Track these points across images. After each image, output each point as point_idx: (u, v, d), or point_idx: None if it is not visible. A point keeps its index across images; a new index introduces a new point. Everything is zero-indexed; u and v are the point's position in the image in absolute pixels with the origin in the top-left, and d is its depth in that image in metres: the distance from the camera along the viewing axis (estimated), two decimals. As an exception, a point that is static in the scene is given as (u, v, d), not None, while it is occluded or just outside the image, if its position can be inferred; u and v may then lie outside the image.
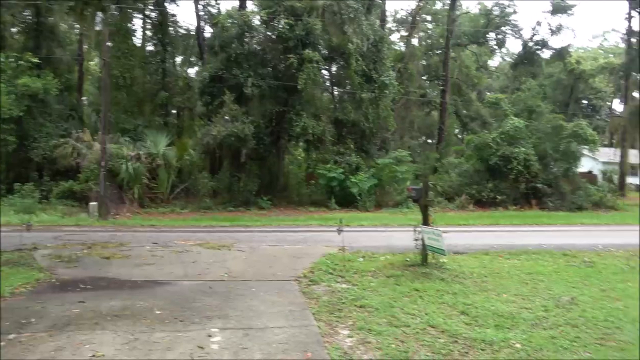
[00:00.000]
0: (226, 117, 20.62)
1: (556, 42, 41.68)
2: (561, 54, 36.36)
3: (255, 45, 22.54)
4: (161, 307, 6.06)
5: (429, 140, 38.99)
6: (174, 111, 29.56)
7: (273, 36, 22.13)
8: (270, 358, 4.53)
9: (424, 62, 36.14)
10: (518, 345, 4.88)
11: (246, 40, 21.90)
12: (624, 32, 34.06)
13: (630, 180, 33.96)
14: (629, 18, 32.52)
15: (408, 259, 8.72)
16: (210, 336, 5.06)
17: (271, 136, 22.24)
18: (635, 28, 30.74)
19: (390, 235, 12.56)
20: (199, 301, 6.38)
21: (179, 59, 33.85)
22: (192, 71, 33.77)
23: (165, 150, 20.96)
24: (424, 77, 36.61)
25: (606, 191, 24.65)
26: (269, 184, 22.16)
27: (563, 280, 7.94)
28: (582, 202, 22.17)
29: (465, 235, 13.31)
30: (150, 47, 29.40)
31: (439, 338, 5.11)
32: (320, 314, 5.88)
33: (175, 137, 23.81)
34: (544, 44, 35.88)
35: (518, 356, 4.65)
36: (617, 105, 39.49)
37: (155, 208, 19.29)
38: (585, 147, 24.35)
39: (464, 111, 35.26)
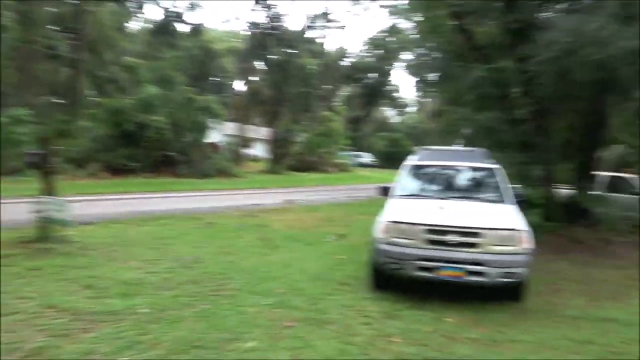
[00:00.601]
0: None
1: (194, 19, 44.21)
2: (197, 30, 38.72)
3: None
4: None
5: (59, 100, 34.68)
6: None
7: None
8: None
9: (53, 10, 31.55)
10: (144, 310, 4.99)
11: None
12: (249, 21, 39.10)
13: (248, 151, 39.88)
14: (253, 11, 37.55)
15: (25, 236, 7.59)
16: None
17: None
18: (256, 21, 35.53)
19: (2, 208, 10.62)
20: None
21: None
22: None
23: None
24: (53, 28, 32.02)
25: (228, 160, 28.19)
26: None
27: (189, 241, 8.62)
28: (209, 169, 24.63)
29: (97, 204, 12.68)
30: None
31: (59, 318, 4.67)
32: None
33: None
34: (181, 18, 37.33)
35: (144, 320, 4.75)
36: (240, 86, 45.18)
37: None
38: (213, 119, 26.99)
39: (100, 72, 32.97)
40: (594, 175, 11.99)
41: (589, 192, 11.37)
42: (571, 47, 7.98)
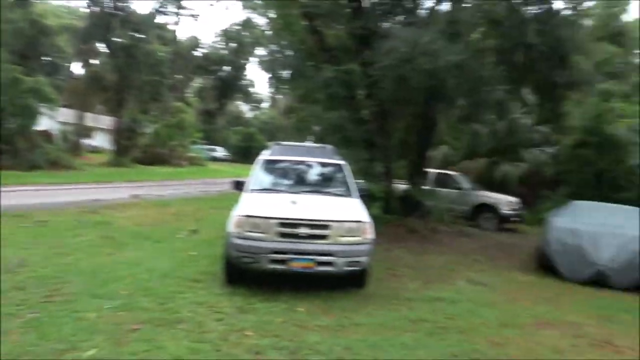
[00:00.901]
0: None
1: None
2: (23, 1, 33.80)
3: None
4: None
5: None
6: None
7: None
8: None
9: None
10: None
11: None
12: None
13: (87, 141, 36.23)
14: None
15: None
16: None
17: None
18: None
19: None
20: None
21: None
22: None
23: None
24: None
25: (63, 151, 25.25)
26: None
27: (14, 243, 7.51)
28: (40, 161, 21.77)
29: None
30: None
31: None
32: None
33: None
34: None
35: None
36: (77, 68, 40.70)
37: None
38: (45, 104, 23.89)
39: None
40: (425, 172, 13.48)
41: (421, 187, 12.76)
42: (407, 56, 8.86)
